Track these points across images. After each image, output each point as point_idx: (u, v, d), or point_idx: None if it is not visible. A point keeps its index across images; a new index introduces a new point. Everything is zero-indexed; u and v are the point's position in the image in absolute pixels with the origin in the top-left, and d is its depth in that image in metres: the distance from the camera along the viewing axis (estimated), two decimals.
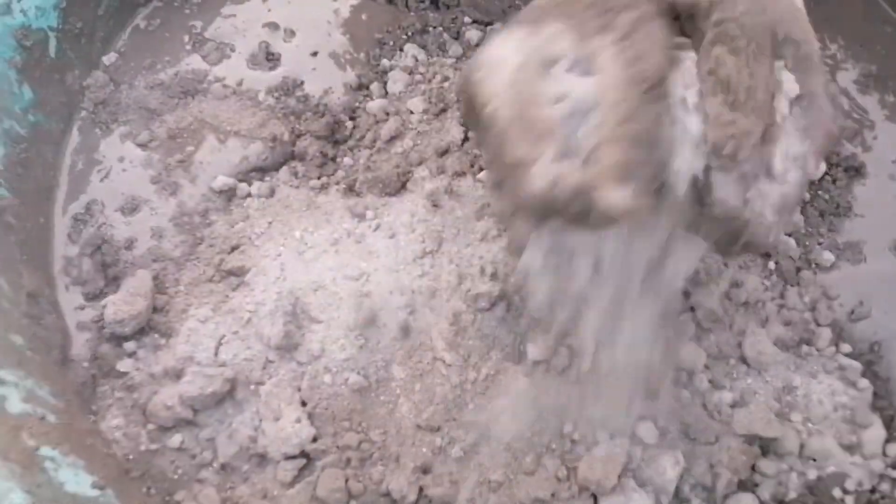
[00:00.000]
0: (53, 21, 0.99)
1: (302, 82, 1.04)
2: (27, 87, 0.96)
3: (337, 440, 0.81)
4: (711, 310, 0.87)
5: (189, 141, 0.99)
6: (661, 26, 0.62)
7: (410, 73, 1.04)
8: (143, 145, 0.99)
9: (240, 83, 1.03)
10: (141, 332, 0.87)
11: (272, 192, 0.97)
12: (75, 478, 0.73)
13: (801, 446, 0.82)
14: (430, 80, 1.02)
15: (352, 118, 1.01)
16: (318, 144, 0.99)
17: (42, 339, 0.84)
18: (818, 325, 0.89)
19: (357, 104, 1.02)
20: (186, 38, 1.07)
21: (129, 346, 0.87)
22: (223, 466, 0.81)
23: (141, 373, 0.85)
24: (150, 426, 0.83)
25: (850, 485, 0.81)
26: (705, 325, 0.88)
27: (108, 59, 1.05)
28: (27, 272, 0.89)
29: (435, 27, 1.08)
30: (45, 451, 0.72)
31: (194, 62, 1.05)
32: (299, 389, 0.83)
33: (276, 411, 0.81)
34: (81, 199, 0.96)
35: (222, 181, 0.96)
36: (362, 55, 1.07)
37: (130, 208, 0.96)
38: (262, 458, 0.81)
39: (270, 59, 1.05)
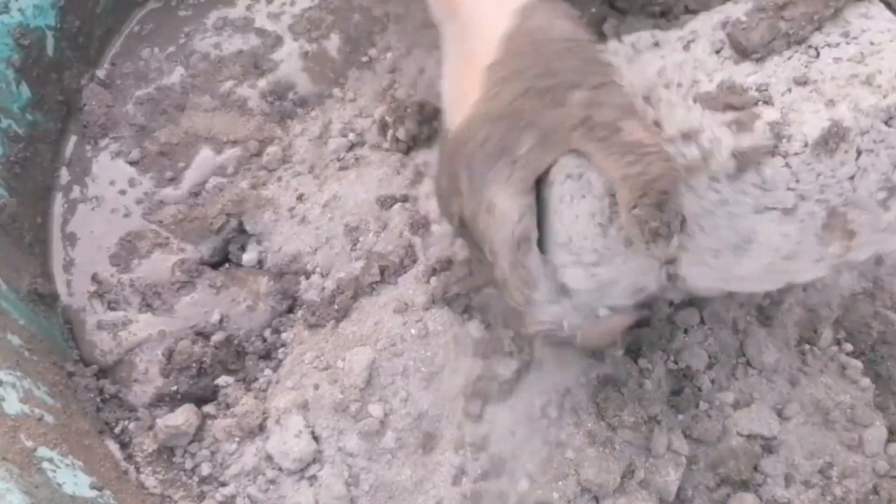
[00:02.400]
0: (51, 20, 0.98)
1: (295, 84, 1.03)
2: (25, 86, 0.95)
3: None
4: (714, 310, 0.87)
5: (182, 157, 0.99)
6: None
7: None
8: (134, 162, 1.00)
9: (231, 91, 1.03)
10: None
11: None
12: (74, 479, 0.72)
13: (803, 445, 0.82)
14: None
15: None
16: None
17: (40, 340, 0.84)
18: (820, 323, 0.89)
19: None
20: (174, 48, 1.06)
21: None
22: (224, 483, 0.82)
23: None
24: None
25: (851, 484, 0.81)
26: (708, 325, 0.87)
27: (101, 72, 1.04)
28: (25, 272, 0.88)
29: None
30: (43, 451, 0.71)
31: (183, 72, 1.04)
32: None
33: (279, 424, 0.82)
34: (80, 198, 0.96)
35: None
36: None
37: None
38: (264, 472, 0.81)
39: (259, 65, 1.05)
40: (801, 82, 0.59)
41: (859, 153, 0.57)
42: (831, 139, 0.56)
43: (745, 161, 0.57)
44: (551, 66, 0.62)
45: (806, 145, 0.57)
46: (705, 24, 0.66)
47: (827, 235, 0.60)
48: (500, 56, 0.65)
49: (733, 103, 0.59)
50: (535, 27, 0.65)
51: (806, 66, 0.60)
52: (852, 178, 0.58)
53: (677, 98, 0.62)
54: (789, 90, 0.59)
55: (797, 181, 0.58)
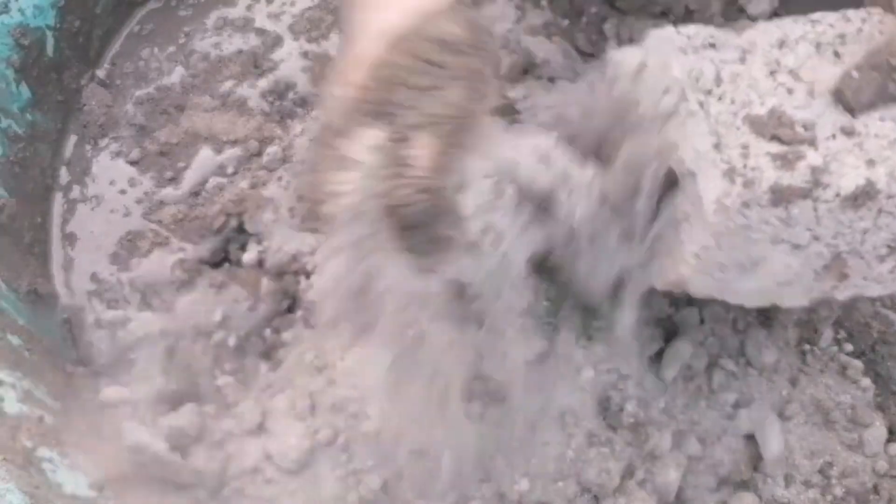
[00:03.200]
0: (51, 20, 0.98)
1: (295, 84, 1.03)
2: (25, 86, 0.95)
3: None
4: (714, 310, 0.87)
5: (182, 157, 0.99)
6: None
7: None
8: (134, 162, 0.99)
9: (231, 91, 1.03)
10: None
11: None
12: (73, 478, 0.72)
13: (803, 445, 0.82)
14: None
15: None
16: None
17: (40, 340, 0.84)
18: (820, 323, 0.89)
19: None
20: (174, 48, 1.06)
21: None
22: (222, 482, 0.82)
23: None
24: None
25: (851, 484, 0.81)
26: (708, 325, 0.87)
27: (101, 72, 1.04)
28: (25, 272, 0.88)
29: None
30: (43, 451, 0.71)
31: (183, 72, 1.04)
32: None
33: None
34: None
35: None
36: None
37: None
38: (264, 472, 0.81)
39: (259, 65, 1.05)
40: (847, 132, 0.62)
41: (880, 213, 0.61)
42: (861, 196, 0.60)
43: (779, 196, 0.60)
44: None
45: (838, 196, 0.60)
46: (763, 38, 0.68)
47: (824, 274, 0.65)
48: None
49: (780, 136, 0.62)
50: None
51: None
52: (866, 231, 0.62)
53: (728, 115, 0.64)
54: (834, 136, 0.62)
55: (818, 224, 0.61)
